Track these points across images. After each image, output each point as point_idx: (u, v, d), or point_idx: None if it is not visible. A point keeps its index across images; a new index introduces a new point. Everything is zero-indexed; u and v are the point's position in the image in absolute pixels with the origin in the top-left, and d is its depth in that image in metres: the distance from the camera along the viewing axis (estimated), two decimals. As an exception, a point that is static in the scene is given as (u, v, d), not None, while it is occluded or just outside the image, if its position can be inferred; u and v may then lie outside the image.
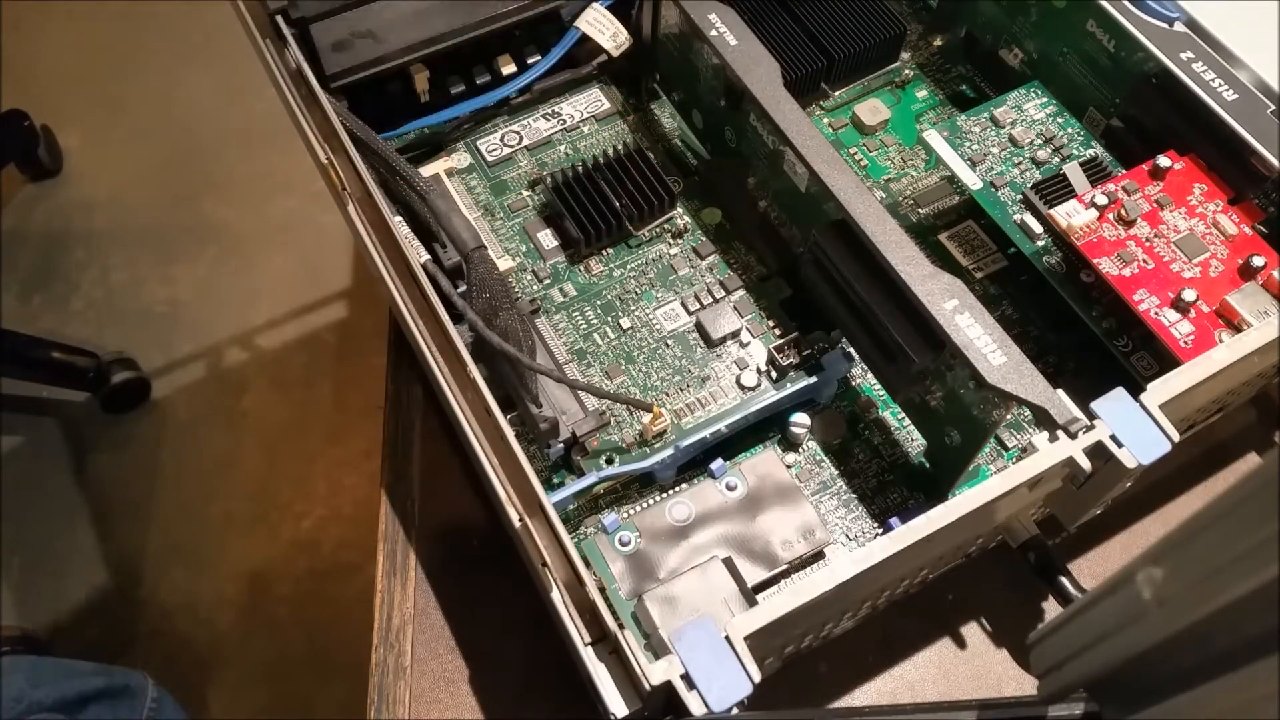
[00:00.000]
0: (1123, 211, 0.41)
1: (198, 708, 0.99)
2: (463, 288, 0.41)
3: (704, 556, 0.38)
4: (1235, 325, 0.39)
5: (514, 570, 0.41)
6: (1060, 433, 0.34)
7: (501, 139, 0.51)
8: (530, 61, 0.50)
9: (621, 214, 0.46)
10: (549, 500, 0.33)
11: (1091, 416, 0.34)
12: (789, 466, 0.42)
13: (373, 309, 1.23)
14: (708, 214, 0.48)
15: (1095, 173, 0.44)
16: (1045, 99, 0.47)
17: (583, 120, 0.51)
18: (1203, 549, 0.21)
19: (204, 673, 1.02)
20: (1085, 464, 0.33)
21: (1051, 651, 0.30)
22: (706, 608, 0.36)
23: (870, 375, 0.45)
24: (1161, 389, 0.34)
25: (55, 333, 1.20)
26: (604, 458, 0.41)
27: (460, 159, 0.50)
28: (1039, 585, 0.40)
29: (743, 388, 0.43)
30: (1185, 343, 0.39)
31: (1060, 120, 0.47)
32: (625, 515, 0.41)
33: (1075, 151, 0.46)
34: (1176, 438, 0.34)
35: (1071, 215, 0.41)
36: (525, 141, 0.51)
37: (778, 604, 0.31)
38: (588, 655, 0.32)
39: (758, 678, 0.30)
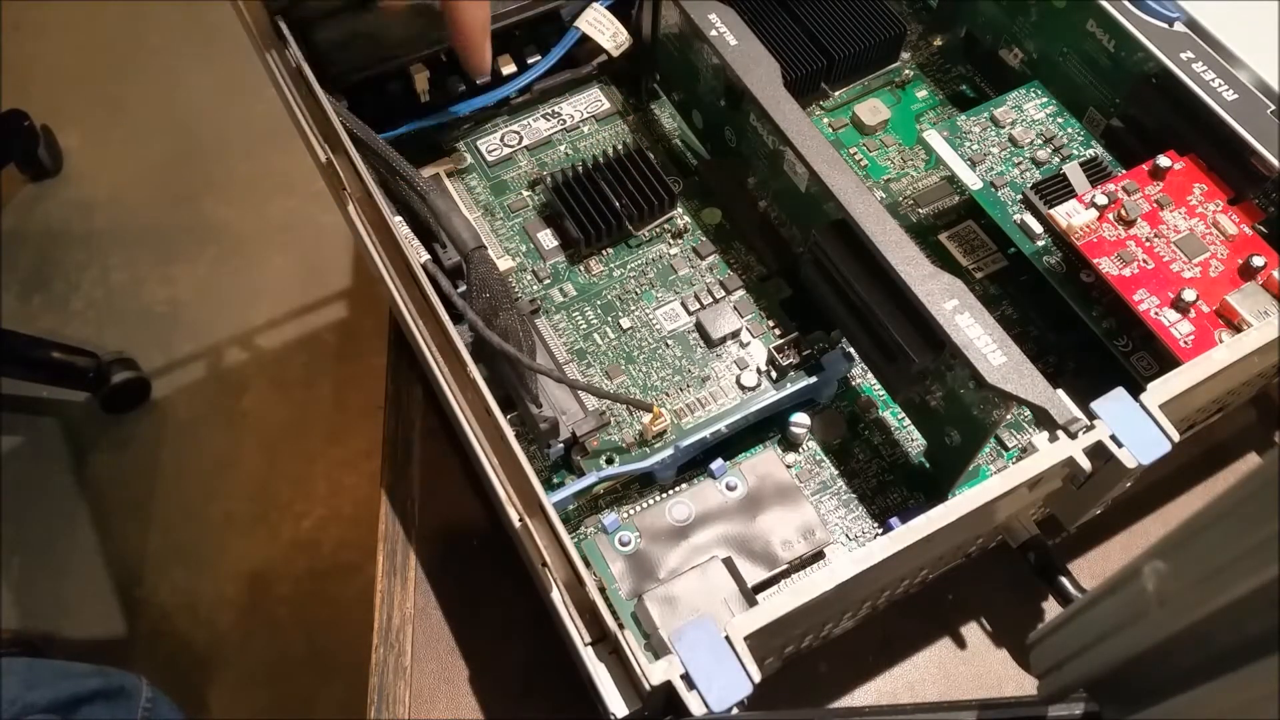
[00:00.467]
0: (1123, 211, 0.41)
1: (198, 708, 1.00)
2: (463, 288, 0.41)
3: (704, 556, 0.38)
4: (1235, 325, 0.39)
5: (514, 570, 0.41)
6: (1060, 433, 0.34)
7: (501, 139, 0.51)
8: (530, 61, 0.50)
9: (621, 214, 0.46)
10: (549, 500, 0.33)
11: (1091, 416, 0.34)
12: (789, 466, 0.42)
13: (373, 309, 1.23)
14: (708, 214, 0.48)
15: (1095, 173, 0.44)
16: (1045, 99, 0.47)
17: (583, 120, 0.51)
18: (1203, 549, 0.21)
19: (204, 673, 1.02)
20: (1085, 464, 0.33)
21: (1051, 651, 0.30)
22: (706, 608, 0.36)
23: (870, 375, 0.45)
24: (1161, 389, 0.34)
25: (55, 333, 1.20)
26: (604, 458, 0.41)
27: (460, 159, 0.50)
28: (1039, 585, 0.40)
29: (743, 388, 0.43)
30: (1185, 343, 0.39)
31: (1060, 120, 0.47)
32: (625, 515, 0.41)
33: (1075, 151, 0.46)
34: (1176, 438, 0.34)
35: (1071, 215, 0.41)
36: (525, 141, 0.51)
37: (778, 604, 0.31)
38: (588, 655, 0.32)
39: (758, 678, 0.30)
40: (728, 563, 0.37)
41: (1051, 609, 0.42)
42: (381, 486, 0.46)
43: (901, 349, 0.38)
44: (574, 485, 0.40)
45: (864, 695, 0.41)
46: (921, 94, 0.53)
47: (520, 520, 0.34)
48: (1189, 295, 0.39)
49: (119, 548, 1.09)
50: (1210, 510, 0.21)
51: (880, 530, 0.41)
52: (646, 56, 0.51)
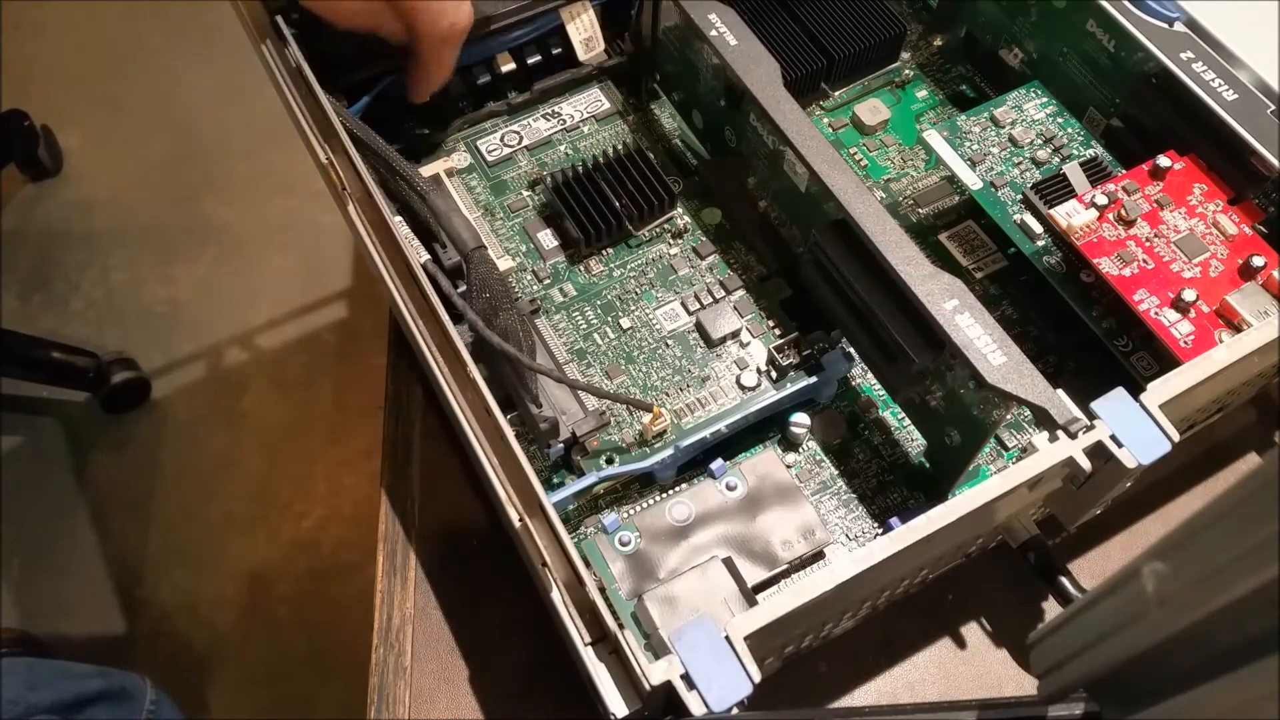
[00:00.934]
0: (1123, 211, 0.41)
1: (198, 708, 1.00)
2: (463, 288, 0.41)
3: (704, 556, 0.38)
4: (1235, 325, 0.39)
5: (514, 570, 0.41)
6: (1060, 433, 0.34)
7: (501, 139, 0.51)
8: (530, 62, 0.50)
9: (621, 214, 0.46)
10: (549, 500, 0.33)
11: (1091, 416, 0.34)
12: (789, 466, 0.42)
13: (373, 309, 1.23)
14: (708, 214, 0.48)
15: (1095, 173, 0.44)
16: (1045, 99, 0.47)
17: (583, 120, 0.51)
18: (1203, 549, 0.21)
19: (204, 673, 1.02)
20: (1085, 464, 0.33)
21: (1051, 651, 0.30)
22: (706, 608, 0.36)
23: (870, 375, 0.45)
24: (1161, 389, 0.34)
25: (55, 333, 1.20)
26: (604, 458, 0.41)
27: (460, 159, 0.50)
28: (1039, 585, 0.40)
29: (743, 388, 0.43)
30: (1185, 343, 0.39)
31: (1060, 120, 0.47)
32: (625, 515, 0.41)
33: (1075, 151, 0.46)
34: (1176, 438, 0.34)
35: (1071, 215, 0.41)
36: (525, 141, 0.51)
37: (778, 604, 0.31)
38: (588, 655, 0.32)
39: (758, 678, 0.30)
40: (728, 563, 0.37)
41: (1051, 609, 0.42)
42: (381, 486, 0.46)
43: (901, 349, 0.38)
44: (574, 485, 0.40)
45: (864, 695, 0.41)
46: (921, 94, 0.53)
47: (520, 520, 0.34)
48: (1189, 295, 0.39)
49: (119, 548, 1.09)
50: (1210, 510, 0.21)
51: (880, 530, 0.41)
52: (646, 56, 0.51)
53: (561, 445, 0.41)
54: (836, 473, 0.43)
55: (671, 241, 0.48)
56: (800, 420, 0.43)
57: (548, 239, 0.48)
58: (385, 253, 0.39)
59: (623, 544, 0.39)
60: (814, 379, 0.42)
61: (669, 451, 0.41)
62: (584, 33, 0.48)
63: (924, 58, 0.54)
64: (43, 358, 1.14)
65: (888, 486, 0.42)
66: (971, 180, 0.45)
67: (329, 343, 1.23)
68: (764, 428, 0.43)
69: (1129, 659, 0.25)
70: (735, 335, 0.44)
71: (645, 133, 0.51)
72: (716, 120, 0.48)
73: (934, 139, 0.46)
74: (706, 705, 0.29)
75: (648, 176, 0.47)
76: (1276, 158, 0.40)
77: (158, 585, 1.07)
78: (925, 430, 0.42)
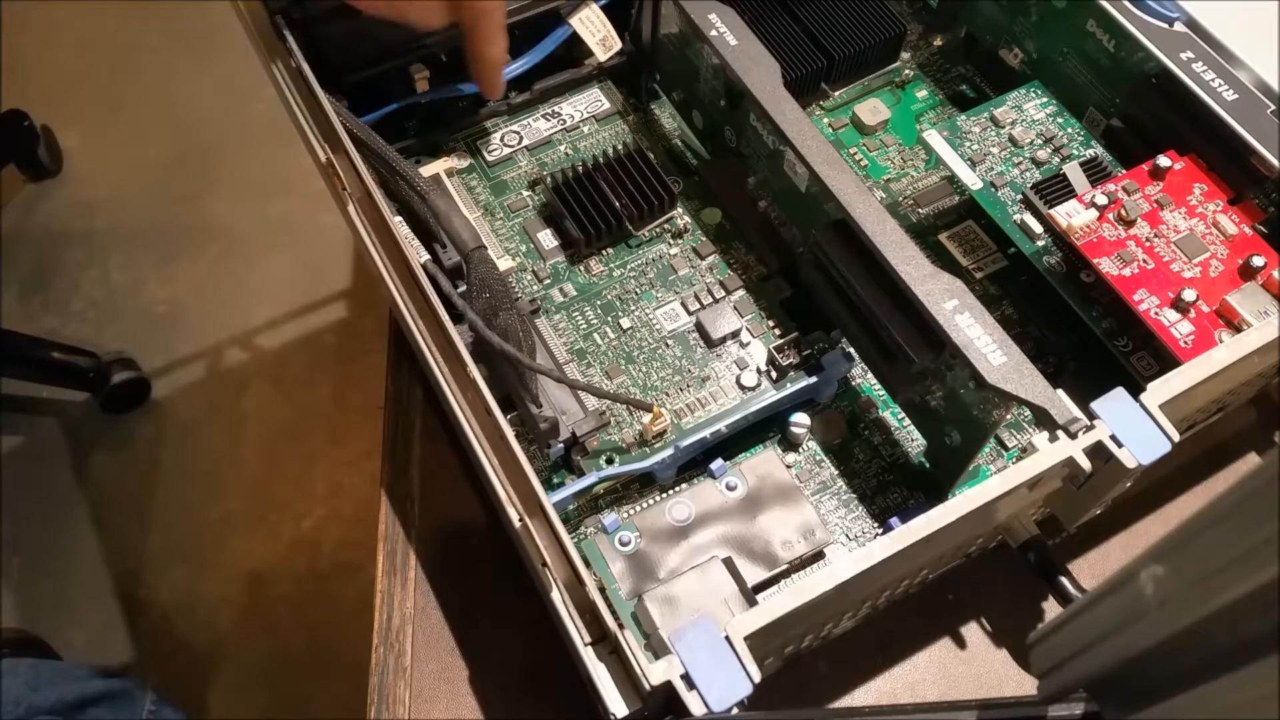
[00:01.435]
0: (1123, 211, 0.41)
1: (198, 708, 1.00)
2: (463, 288, 0.41)
3: (704, 556, 0.38)
4: (1235, 325, 0.39)
5: (514, 570, 0.41)
6: (1060, 433, 0.34)
7: (501, 139, 0.51)
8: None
9: (621, 214, 0.46)
10: (549, 500, 0.33)
11: (1091, 416, 0.34)
12: (789, 466, 0.42)
13: (373, 309, 1.23)
14: (708, 214, 0.48)
15: (1095, 173, 0.44)
16: (1045, 99, 0.47)
17: (583, 120, 0.51)
18: (1203, 549, 0.21)
19: (204, 673, 1.02)
20: (1085, 464, 0.33)
21: (1051, 651, 0.30)
22: (706, 608, 0.36)
23: (870, 375, 0.45)
24: (1161, 389, 0.34)
25: (55, 333, 1.20)
26: (604, 458, 0.41)
27: (460, 159, 0.50)
28: (1039, 585, 0.40)
29: (743, 388, 0.43)
30: (1185, 343, 0.39)
31: (1060, 120, 0.47)
32: (625, 515, 0.41)
33: (1075, 151, 0.46)
34: (1176, 438, 0.34)
35: (1071, 215, 0.41)
36: (525, 141, 0.51)
37: (778, 604, 0.31)
38: (588, 655, 0.32)
39: (758, 678, 0.30)
40: (728, 563, 0.37)
41: (1051, 609, 0.42)
42: (381, 486, 0.46)
43: (901, 349, 0.38)
44: (574, 485, 0.40)
45: (864, 695, 0.41)
46: (921, 94, 0.53)
47: (520, 520, 0.34)
48: (1189, 295, 0.39)
49: (119, 548, 1.09)
50: (1210, 510, 0.21)
51: (880, 530, 0.41)
52: (646, 56, 0.51)
53: (561, 445, 0.41)
54: (836, 473, 0.43)
55: (671, 241, 0.48)
56: (800, 420, 0.43)
57: (548, 239, 0.48)
58: (385, 253, 0.39)
59: (623, 544, 0.39)
60: (814, 379, 0.42)
61: (669, 451, 0.41)
62: (598, 33, 0.48)
63: (924, 58, 0.54)
64: (43, 358, 1.13)
65: (888, 486, 0.42)
66: (971, 180, 0.45)
67: (329, 343, 1.23)
68: (764, 428, 0.43)
69: (1129, 659, 0.25)
70: (735, 335, 0.44)
71: (645, 133, 0.51)
72: (716, 120, 0.48)
73: (934, 139, 0.46)
74: (706, 705, 0.29)
75: (648, 176, 0.47)
76: (1276, 158, 0.40)
77: (158, 585, 1.07)
78: (925, 430, 0.42)
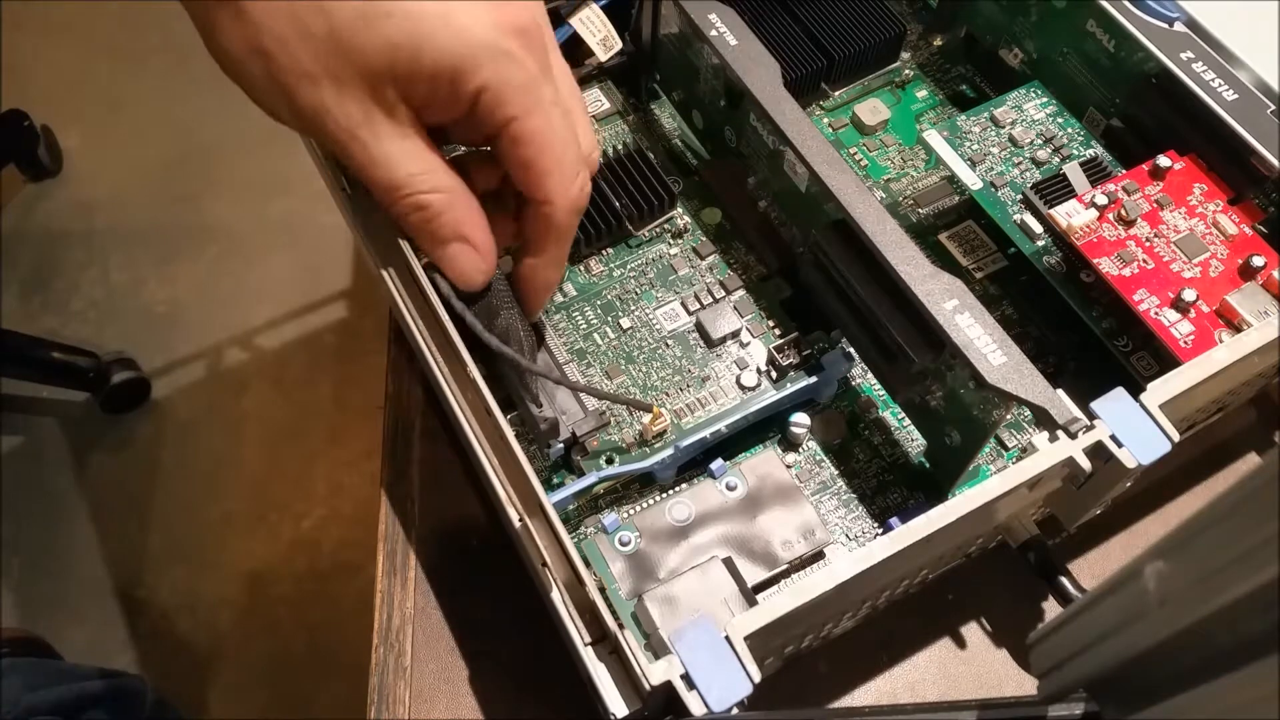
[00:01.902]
0: (1123, 211, 0.41)
1: (198, 708, 1.00)
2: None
3: (704, 556, 0.38)
4: (1235, 325, 0.39)
5: (514, 570, 0.41)
6: (1060, 433, 0.34)
7: (501, 139, 0.50)
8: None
9: (621, 214, 0.46)
10: (549, 500, 0.33)
11: (1091, 416, 0.34)
12: (789, 466, 0.42)
13: (373, 309, 1.23)
14: (708, 214, 0.48)
15: (1095, 173, 0.44)
16: (1045, 99, 0.47)
17: (583, 120, 0.51)
18: (1203, 549, 0.21)
19: (204, 673, 1.02)
20: (1085, 464, 0.33)
21: (1051, 651, 0.30)
22: (706, 608, 0.36)
23: (870, 375, 0.45)
24: (1161, 389, 0.34)
25: (55, 333, 1.20)
26: (604, 458, 0.41)
27: (460, 159, 0.50)
28: (1039, 585, 0.40)
29: (743, 388, 0.43)
30: (1185, 343, 0.39)
31: (1060, 120, 0.47)
32: (625, 515, 0.41)
33: (1075, 151, 0.46)
34: (1176, 438, 0.34)
35: (1071, 215, 0.41)
36: (525, 141, 0.50)
37: (778, 604, 0.31)
38: (588, 655, 0.32)
39: (758, 678, 0.30)
40: (728, 563, 0.37)
41: (1051, 609, 0.42)
42: (381, 486, 0.46)
43: (901, 349, 0.38)
44: (574, 485, 0.40)
45: (864, 695, 0.41)
46: (921, 94, 0.53)
47: (520, 520, 0.34)
48: (1189, 295, 0.39)
49: (119, 548, 1.09)
50: (1210, 510, 0.21)
51: (880, 530, 0.41)
52: (646, 56, 0.51)
53: (561, 445, 0.41)
54: (836, 473, 0.43)
55: (671, 241, 0.48)
56: (800, 420, 0.43)
57: (548, 239, 0.47)
58: (385, 253, 0.39)
59: (623, 544, 0.39)
60: (814, 379, 0.42)
61: (669, 451, 0.41)
62: (598, 33, 0.48)
63: (924, 58, 0.54)
64: (43, 358, 1.14)
65: (888, 486, 0.42)
66: (971, 180, 0.45)
67: (329, 343, 1.23)
68: (764, 428, 0.43)
69: (1129, 659, 0.25)
70: (735, 335, 0.44)
71: (645, 133, 0.51)
72: (716, 120, 0.48)
73: (934, 139, 0.46)
74: (706, 705, 0.29)
75: (648, 176, 0.47)
76: (1276, 158, 0.40)
77: (158, 585, 1.07)
78: (925, 430, 0.42)
